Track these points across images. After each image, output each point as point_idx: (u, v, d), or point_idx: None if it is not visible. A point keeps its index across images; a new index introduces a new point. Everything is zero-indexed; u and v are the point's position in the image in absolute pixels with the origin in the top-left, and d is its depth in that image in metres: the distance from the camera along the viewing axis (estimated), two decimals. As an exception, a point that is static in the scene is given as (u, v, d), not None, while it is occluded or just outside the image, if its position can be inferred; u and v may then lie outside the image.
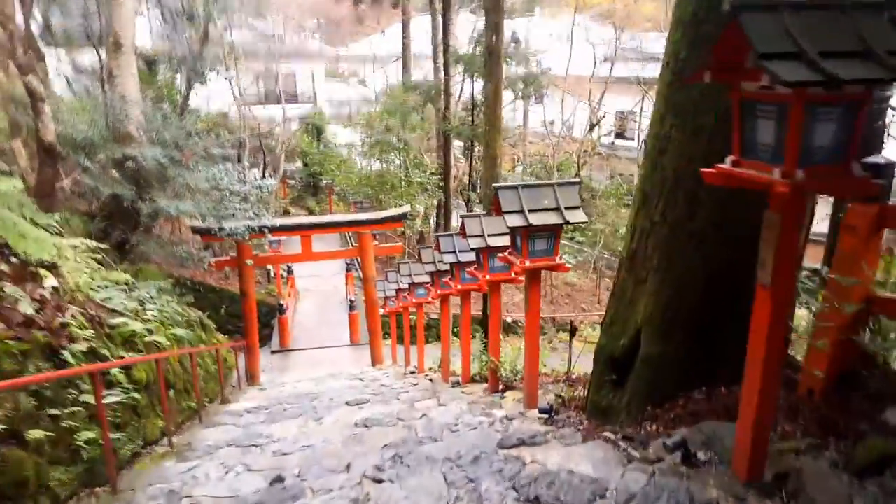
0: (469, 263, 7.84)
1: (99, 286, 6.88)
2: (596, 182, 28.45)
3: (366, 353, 16.31)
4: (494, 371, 6.89)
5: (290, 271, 21.37)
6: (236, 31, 26.43)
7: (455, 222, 28.34)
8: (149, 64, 19.96)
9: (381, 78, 31.94)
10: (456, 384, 8.47)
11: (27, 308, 4.41)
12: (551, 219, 5.25)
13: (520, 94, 11.92)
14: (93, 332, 5.46)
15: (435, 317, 16.36)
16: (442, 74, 22.49)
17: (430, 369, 12.38)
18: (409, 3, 28.35)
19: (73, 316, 5.16)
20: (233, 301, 19.33)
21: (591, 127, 27.11)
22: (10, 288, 4.46)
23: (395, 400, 8.03)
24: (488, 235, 6.52)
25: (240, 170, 11.87)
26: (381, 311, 15.89)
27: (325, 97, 31.64)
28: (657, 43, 27.82)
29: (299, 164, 34.27)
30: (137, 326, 6.80)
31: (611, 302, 4.77)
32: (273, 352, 17.17)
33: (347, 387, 10.94)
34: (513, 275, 6.64)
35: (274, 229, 13.29)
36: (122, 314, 6.71)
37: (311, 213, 31.34)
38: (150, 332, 7.62)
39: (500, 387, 6.85)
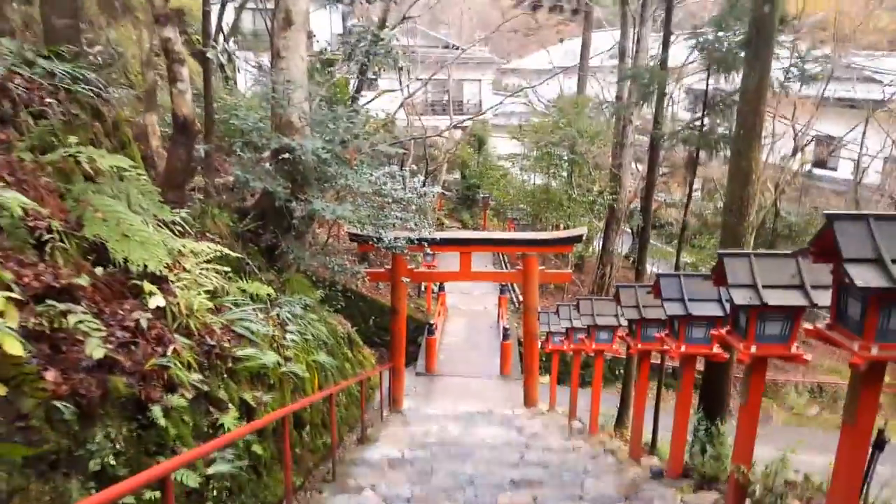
0: (705, 319, 5.68)
1: (233, 302, 5.55)
2: (791, 216, 24.52)
3: (517, 390, 14.40)
4: (742, 487, 4.66)
5: (441, 288, 20.01)
6: (410, 38, 25.85)
7: (622, 248, 25.63)
8: (324, 64, 19.70)
9: (552, 91, 29.97)
10: (658, 474, 6.27)
11: (96, 349, 2.96)
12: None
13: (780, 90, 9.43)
14: (201, 374, 4.01)
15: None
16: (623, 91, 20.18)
17: (603, 428, 10.18)
18: (592, 10, 26.10)
19: (175, 352, 3.71)
20: (382, 312, 18.31)
21: (794, 152, 23.32)
22: (77, 316, 3.03)
23: (578, 489, 6.01)
24: (763, 288, 4.34)
25: (404, 175, 10.44)
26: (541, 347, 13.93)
27: (490, 109, 30.37)
28: (884, 62, 23.41)
29: (457, 175, 33.25)
30: (269, 358, 5.38)
31: None
32: (418, 374, 15.78)
33: (503, 440, 9.06)
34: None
35: (434, 243, 11.77)
36: (252, 341, 5.31)
37: (464, 226, 30.09)
38: (286, 360, 6.26)
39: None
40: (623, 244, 25.87)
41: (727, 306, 5.60)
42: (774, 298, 4.31)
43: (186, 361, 3.87)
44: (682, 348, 5.77)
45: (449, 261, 17.48)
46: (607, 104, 20.65)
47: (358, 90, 12.74)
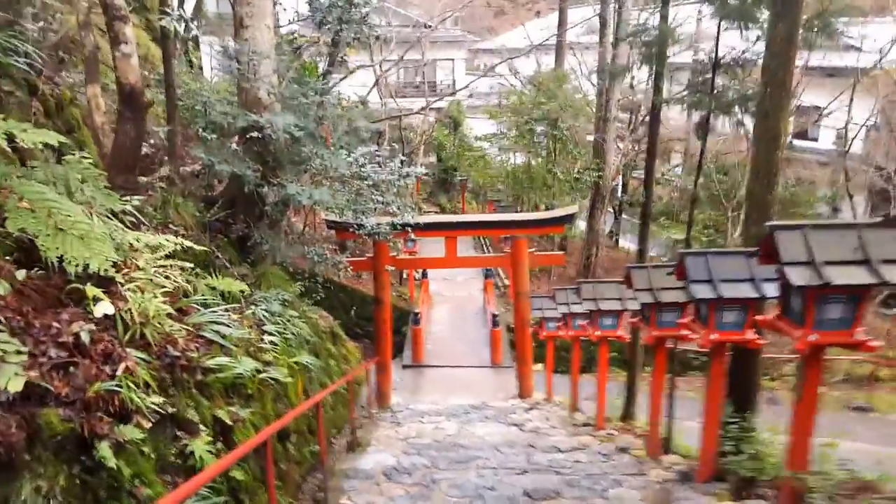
0: (739, 302, 5.06)
1: (202, 303, 4.79)
2: (778, 187, 24.19)
3: (509, 379, 13.84)
4: (799, 496, 4.07)
5: (424, 275, 19.29)
6: (381, 16, 24.89)
7: (606, 227, 25.15)
8: (294, 49, 18.79)
9: (530, 67, 29.29)
10: (685, 477, 5.69)
11: (13, 380, 2.21)
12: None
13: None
14: (163, 394, 3.28)
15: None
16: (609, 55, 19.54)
17: (608, 420, 9.59)
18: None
19: (128, 370, 2.97)
20: (363, 302, 17.54)
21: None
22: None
23: (600, 498, 5.40)
24: (824, 264, 3.73)
25: (382, 154, 9.66)
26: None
27: (464, 88, 29.61)
28: (868, 28, 23.03)
29: (433, 158, 32.43)
30: (246, 365, 4.65)
31: None
32: (405, 366, 15.09)
33: (504, 439, 8.43)
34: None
35: (419, 228, 11.05)
36: (224, 347, 4.57)
37: (442, 210, 29.36)
38: (265, 365, 5.53)
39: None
40: (606, 223, 25.38)
41: (762, 287, 5.02)
42: (839, 277, 3.70)
43: (142, 380, 3.12)
44: (713, 335, 5.16)
45: (431, 246, 16.77)
46: (601, 70, 19.99)
47: (331, 64, 11.84)
